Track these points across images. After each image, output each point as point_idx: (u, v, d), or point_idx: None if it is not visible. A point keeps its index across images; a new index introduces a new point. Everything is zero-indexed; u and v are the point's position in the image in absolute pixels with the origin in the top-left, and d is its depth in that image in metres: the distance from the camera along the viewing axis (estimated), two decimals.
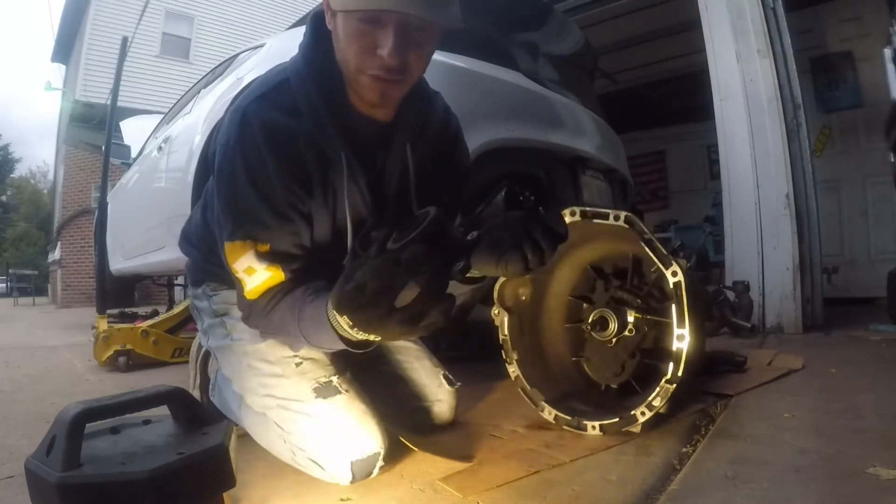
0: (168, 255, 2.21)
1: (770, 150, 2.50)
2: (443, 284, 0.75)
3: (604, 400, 1.27)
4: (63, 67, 12.21)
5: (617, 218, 1.09)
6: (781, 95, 2.52)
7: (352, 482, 0.91)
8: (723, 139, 2.67)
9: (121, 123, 3.77)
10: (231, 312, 1.08)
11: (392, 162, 0.99)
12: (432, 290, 0.72)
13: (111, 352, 2.23)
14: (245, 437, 1.03)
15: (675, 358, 1.03)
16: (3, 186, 27.37)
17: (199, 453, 0.64)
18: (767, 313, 2.47)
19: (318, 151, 0.92)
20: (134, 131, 3.65)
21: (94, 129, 8.72)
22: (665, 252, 1.06)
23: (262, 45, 2.01)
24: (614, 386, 1.28)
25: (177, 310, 2.60)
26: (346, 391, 0.98)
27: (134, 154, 3.36)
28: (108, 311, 2.65)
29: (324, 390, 0.96)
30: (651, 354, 1.23)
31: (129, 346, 2.25)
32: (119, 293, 3.83)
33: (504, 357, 1.23)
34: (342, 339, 0.79)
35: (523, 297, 1.27)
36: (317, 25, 0.95)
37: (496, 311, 1.23)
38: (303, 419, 0.95)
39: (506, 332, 1.23)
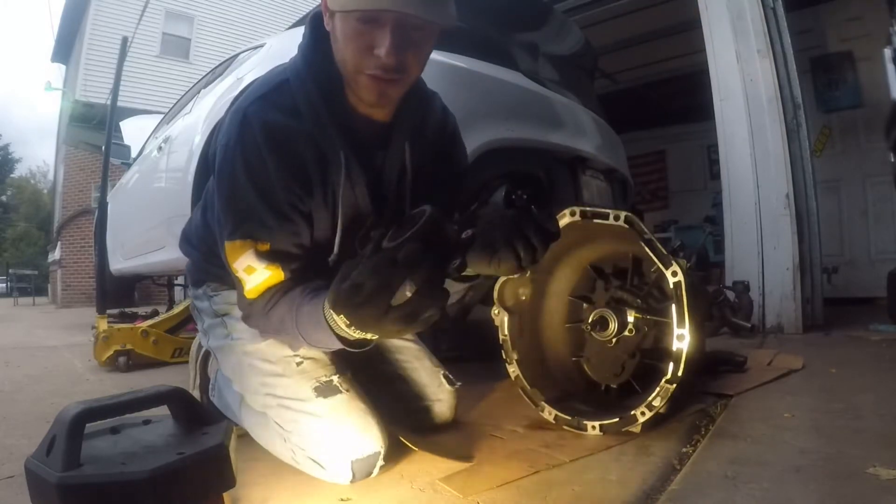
0: (168, 255, 2.21)
1: (770, 150, 2.50)
2: (439, 282, 0.75)
3: (604, 400, 1.27)
4: (63, 67, 12.22)
5: (617, 218, 1.09)
6: (781, 95, 2.52)
7: (352, 482, 0.91)
8: (723, 139, 2.67)
9: (121, 123, 3.77)
10: (232, 312, 1.08)
11: (391, 161, 1.00)
12: (428, 287, 0.72)
13: (111, 352, 2.23)
14: (245, 437, 1.03)
15: (675, 358, 1.03)
16: (3, 186, 27.38)
17: (199, 453, 0.64)
18: (767, 313, 2.47)
19: (317, 151, 0.92)
20: (134, 131, 3.65)
21: (94, 129, 8.72)
22: (665, 252, 1.06)
23: (261, 45, 2.01)
24: (614, 386, 1.28)
25: (177, 310, 2.60)
26: (347, 391, 0.98)
27: (134, 154, 3.36)
28: (108, 311, 2.65)
29: (324, 389, 0.96)
30: (651, 354, 1.23)
31: (129, 346, 2.26)
32: (119, 293, 3.83)
33: (504, 357, 1.23)
34: (339, 338, 0.80)
35: (523, 297, 1.27)
36: (316, 26, 0.96)
37: (496, 311, 1.23)
38: (303, 418, 0.95)
39: (506, 332, 1.23)
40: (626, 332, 1.21)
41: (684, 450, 1.00)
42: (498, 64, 1.82)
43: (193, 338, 1.47)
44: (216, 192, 0.97)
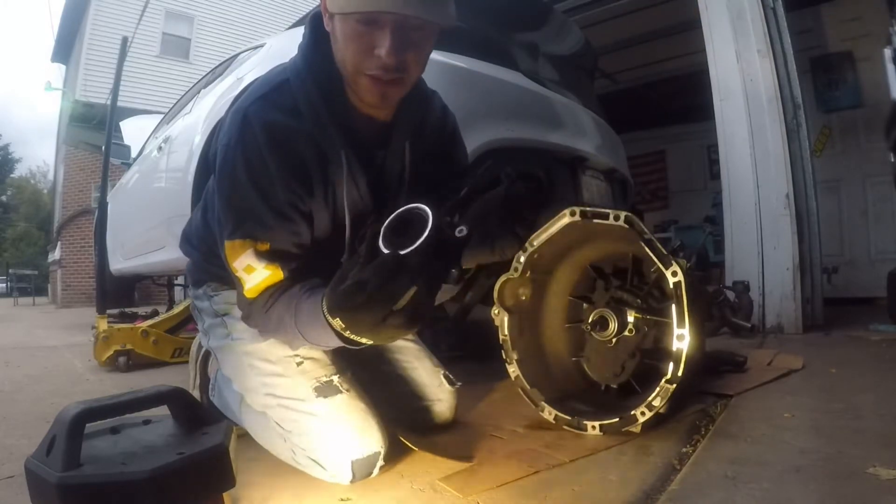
0: (168, 255, 2.21)
1: (770, 150, 2.50)
2: (436, 290, 0.76)
3: (604, 400, 1.27)
4: (63, 67, 12.21)
5: (617, 218, 1.08)
6: (781, 95, 2.51)
7: (352, 482, 0.91)
8: (723, 139, 2.66)
9: (121, 123, 3.77)
10: (232, 312, 1.08)
11: (391, 161, 1.00)
12: (426, 296, 0.73)
13: (111, 352, 2.23)
14: (245, 437, 1.03)
15: (675, 358, 1.03)
16: (3, 186, 27.38)
17: (199, 453, 0.64)
18: (767, 313, 2.47)
19: (318, 151, 0.93)
20: (134, 131, 3.65)
21: (94, 129, 8.72)
22: (665, 252, 1.05)
23: (262, 45, 2.01)
24: (614, 386, 1.28)
25: (177, 310, 2.61)
26: (347, 390, 0.98)
27: (134, 154, 3.36)
28: (108, 311, 2.65)
29: (325, 389, 0.96)
30: (651, 354, 1.23)
31: (129, 346, 2.26)
32: (119, 293, 3.83)
33: (504, 357, 1.23)
34: (338, 335, 0.80)
35: (523, 297, 1.27)
36: (316, 26, 0.96)
37: (496, 311, 1.23)
38: (303, 418, 0.95)
39: (506, 332, 1.23)
40: (626, 332, 1.21)
41: (684, 450, 1.00)
42: (498, 64, 1.82)
43: (193, 338, 1.47)
44: (216, 191, 0.97)
